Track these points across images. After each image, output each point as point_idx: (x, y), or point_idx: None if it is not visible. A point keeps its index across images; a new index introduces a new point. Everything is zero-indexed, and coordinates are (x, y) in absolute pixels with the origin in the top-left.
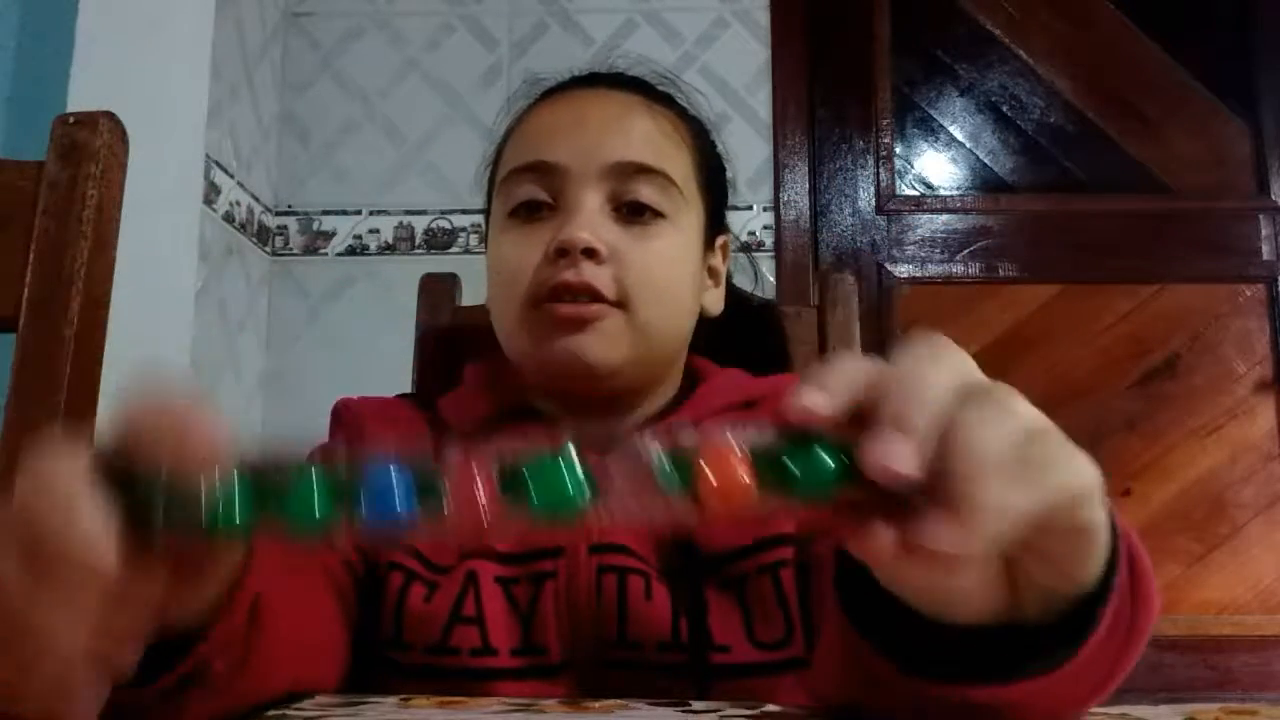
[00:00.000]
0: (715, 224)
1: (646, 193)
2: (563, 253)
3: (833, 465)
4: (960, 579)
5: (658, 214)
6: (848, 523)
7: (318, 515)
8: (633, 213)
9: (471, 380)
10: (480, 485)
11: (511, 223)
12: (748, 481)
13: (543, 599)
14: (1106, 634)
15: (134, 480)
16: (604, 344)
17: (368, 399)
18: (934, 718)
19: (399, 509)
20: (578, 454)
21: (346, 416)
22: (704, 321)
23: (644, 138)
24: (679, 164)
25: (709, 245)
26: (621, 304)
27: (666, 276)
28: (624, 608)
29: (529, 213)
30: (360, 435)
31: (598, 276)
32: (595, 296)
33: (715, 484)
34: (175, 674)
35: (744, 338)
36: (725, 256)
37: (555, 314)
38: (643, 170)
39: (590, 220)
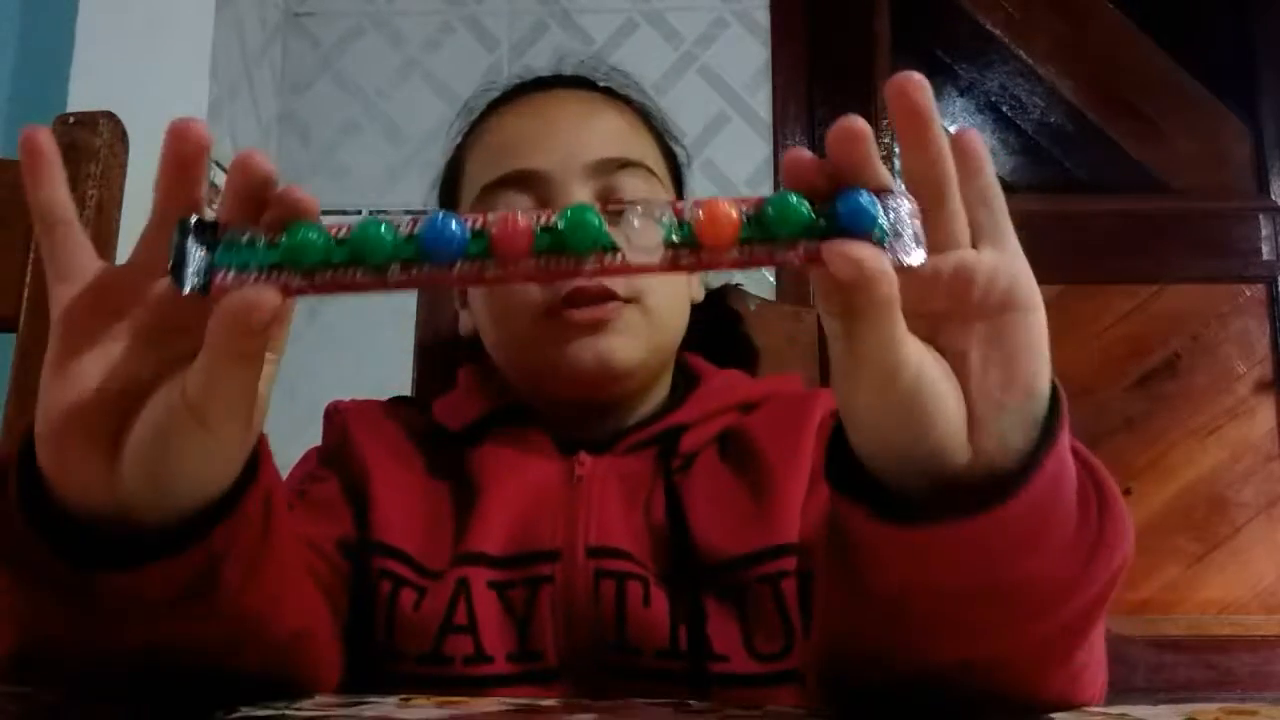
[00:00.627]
0: None
1: (632, 186)
2: None
3: (803, 208)
4: (906, 349)
5: None
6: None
7: (386, 244)
8: None
9: (465, 383)
10: (520, 223)
11: None
12: (734, 219)
13: (539, 604)
14: (1080, 505)
15: (208, 223)
16: (625, 342)
17: (359, 402)
18: (910, 621)
19: (455, 237)
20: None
21: (336, 420)
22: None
23: (616, 132)
24: (651, 152)
25: None
26: (634, 299)
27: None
28: (622, 613)
29: None
30: (348, 439)
31: (609, 278)
32: (610, 296)
33: (708, 223)
34: (188, 561)
35: (701, 328)
36: None
37: (573, 320)
38: (625, 165)
39: None
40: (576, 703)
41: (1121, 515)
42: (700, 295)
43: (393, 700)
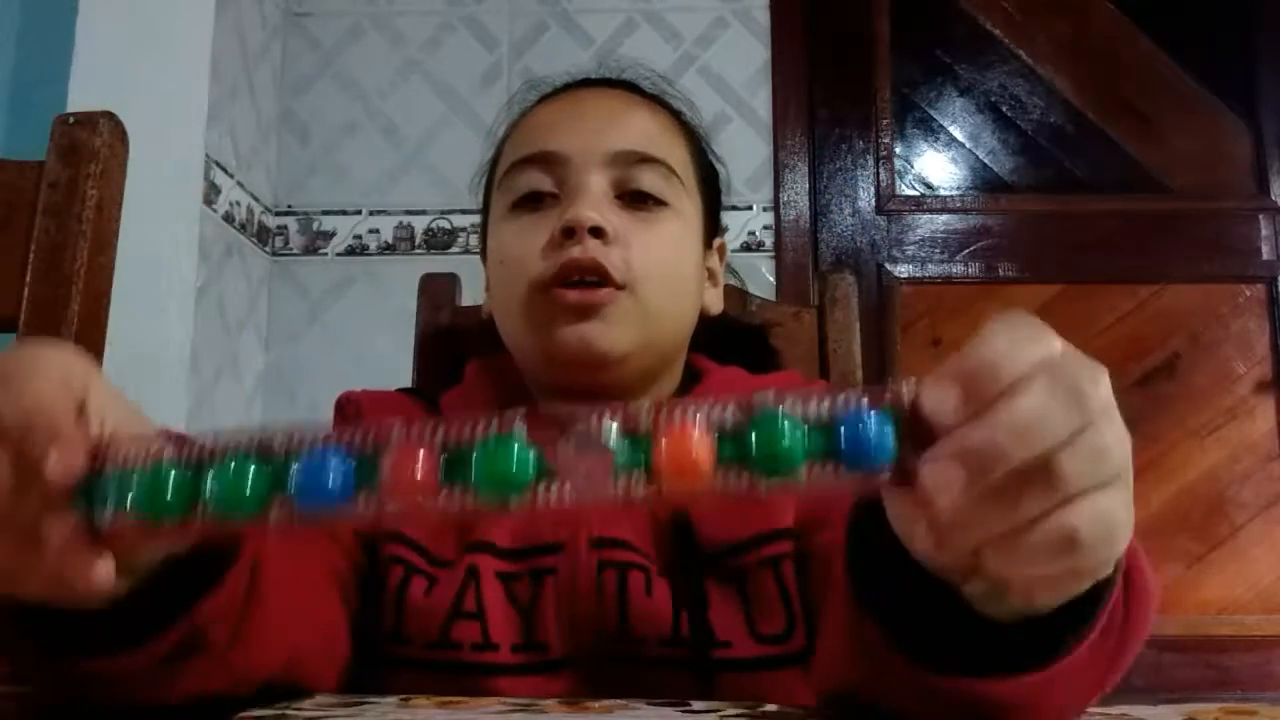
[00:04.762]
0: (711, 225)
1: (649, 180)
2: (569, 233)
3: (797, 443)
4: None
5: (660, 202)
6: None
7: (248, 499)
8: (636, 200)
9: (472, 376)
10: (420, 466)
11: (514, 214)
12: (706, 458)
13: (543, 595)
14: (1102, 631)
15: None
16: (612, 330)
17: (371, 392)
18: (932, 708)
19: (333, 491)
20: (527, 434)
21: (349, 410)
22: (698, 334)
23: (644, 129)
24: (678, 156)
25: (706, 245)
26: (628, 286)
27: (672, 261)
28: (625, 603)
29: (532, 203)
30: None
31: (606, 256)
32: (604, 277)
33: (671, 460)
34: (172, 636)
35: (735, 356)
36: (722, 258)
37: (563, 300)
38: (644, 159)
39: (596, 202)
40: (577, 703)
41: (1148, 599)
42: (719, 307)
43: (393, 700)
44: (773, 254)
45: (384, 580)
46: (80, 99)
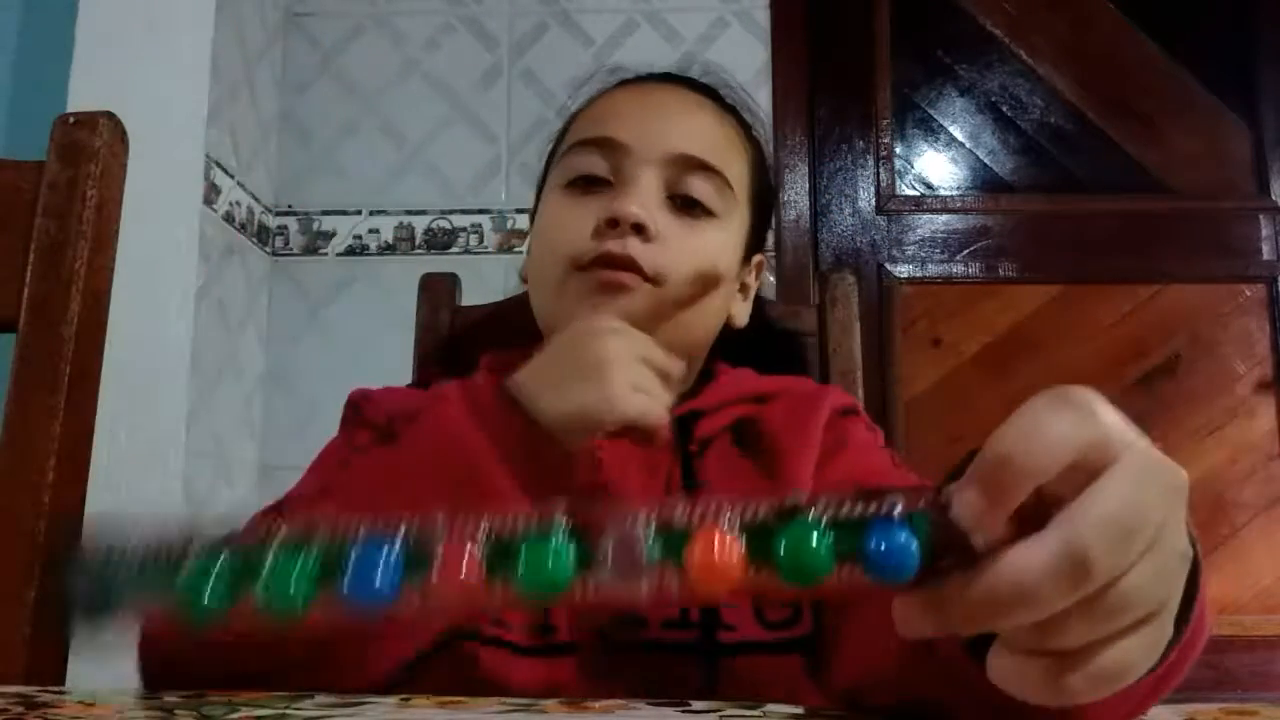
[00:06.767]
0: (755, 241)
1: (702, 189)
2: (613, 224)
3: (824, 551)
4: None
5: (709, 212)
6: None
7: (294, 593)
8: (685, 206)
9: (488, 368)
10: (466, 564)
11: (567, 192)
12: (736, 560)
13: None
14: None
15: (100, 553)
16: (626, 308)
17: (387, 390)
18: (992, 710)
19: (382, 587)
20: (567, 530)
21: (368, 409)
22: (727, 337)
23: (708, 136)
24: (736, 170)
25: (746, 260)
26: (656, 280)
27: (706, 268)
28: None
29: (586, 185)
30: (388, 429)
31: (640, 253)
32: (634, 269)
33: (703, 560)
34: None
35: (764, 360)
36: (758, 275)
37: (595, 279)
38: (702, 166)
39: (644, 198)
40: (577, 703)
41: (1204, 609)
42: (744, 320)
43: (392, 700)
44: (773, 254)
45: None
46: (80, 99)
